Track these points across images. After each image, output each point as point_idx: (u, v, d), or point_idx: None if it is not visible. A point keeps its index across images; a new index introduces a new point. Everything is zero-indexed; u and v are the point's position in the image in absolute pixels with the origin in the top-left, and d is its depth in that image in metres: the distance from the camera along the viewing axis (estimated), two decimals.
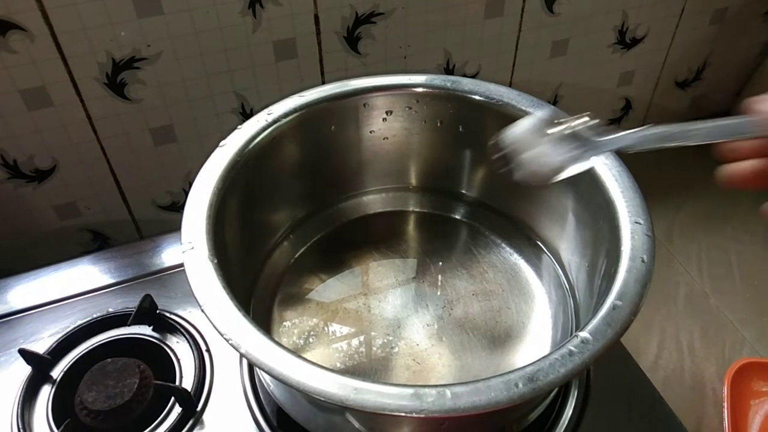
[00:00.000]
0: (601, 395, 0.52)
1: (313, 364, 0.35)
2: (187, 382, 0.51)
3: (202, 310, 0.38)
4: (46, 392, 0.51)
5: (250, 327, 0.37)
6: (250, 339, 0.36)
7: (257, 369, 0.49)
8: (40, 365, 0.52)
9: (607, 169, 0.47)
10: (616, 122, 0.89)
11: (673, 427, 0.51)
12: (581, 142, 0.38)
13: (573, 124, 0.38)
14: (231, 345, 0.36)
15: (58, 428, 0.48)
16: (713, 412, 0.59)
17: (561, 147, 0.38)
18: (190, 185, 0.46)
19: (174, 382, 0.51)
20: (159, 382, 0.50)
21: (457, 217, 0.62)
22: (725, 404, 0.59)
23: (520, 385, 0.34)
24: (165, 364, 0.53)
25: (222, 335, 0.37)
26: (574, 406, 0.51)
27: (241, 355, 0.36)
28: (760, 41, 0.88)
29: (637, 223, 0.43)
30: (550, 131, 0.39)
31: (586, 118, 0.37)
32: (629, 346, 0.56)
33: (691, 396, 0.61)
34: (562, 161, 0.38)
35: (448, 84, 0.55)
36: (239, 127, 0.51)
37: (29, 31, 0.53)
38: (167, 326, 0.55)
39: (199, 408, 0.50)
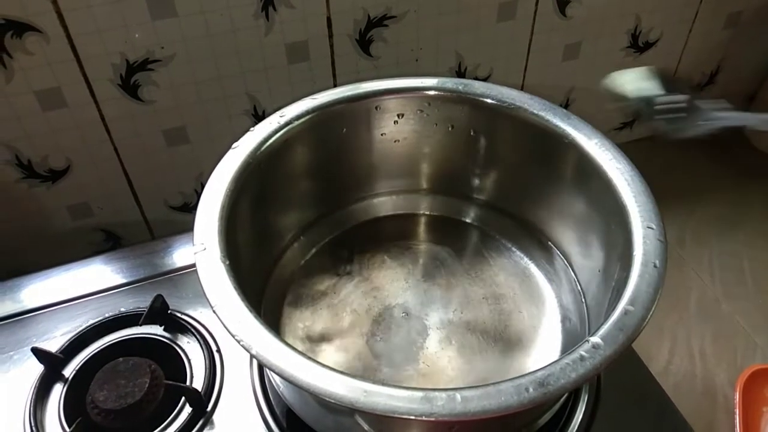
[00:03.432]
0: (612, 400, 0.52)
1: (324, 366, 0.35)
2: (198, 383, 0.52)
3: (214, 311, 0.38)
4: (58, 391, 0.51)
5: (261, 328, 0.37)
6: (261, 340, 0.36)
7: (267, 370, 0.50)
8: (52, 364, 0.52)
9: (619, 174, 0.47)
10: (629, 126, 0.89)
11: None
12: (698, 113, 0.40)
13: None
14: (242, 346, 0.36)
15: (69, 427, 0.48)
16: (724, 418, 0.59)
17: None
18: (202, 186, 0.47)
19: (184, 382, 0.52)
20: (170, 382, 0.50)
21: (468, 220, 0.62)
22: (737, 411, 0.58)
23: (531, 390, 0.34)
24: (176, 364, 0.53)
25: (233, 336, 0.37)
26: (585, 411, 0.51)
27: (252, 357, 0.36)
28: None
29: (649, 228, 0.43)
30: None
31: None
32: (640, 351, 0.56)
33: (702, 402, 0.60)
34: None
35: (460, 87, 0.55)
36: (252, 129, 0.51)
37: (45, 33, 0.54)
38: (178, 326, 0.56)
39: (209, 408, 0.50)
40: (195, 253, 0.41)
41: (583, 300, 0.52)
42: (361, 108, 0.55)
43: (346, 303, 0.55)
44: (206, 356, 0.53)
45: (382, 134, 0.58)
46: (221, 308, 0.38)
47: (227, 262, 0.41)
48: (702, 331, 0.67)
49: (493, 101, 0.54)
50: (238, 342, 0.36)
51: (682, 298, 0.71)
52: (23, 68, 0.55)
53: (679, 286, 0.72)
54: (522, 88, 0.77)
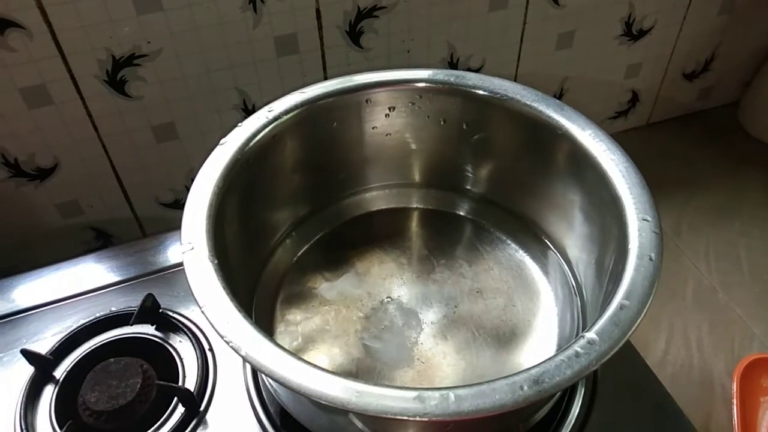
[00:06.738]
0: (609, 392, 0.51)
1: (315, 366, 0.35)
2: (190, 382, 0.51)
3: (203, 312, 0.37)
4: (48, 393, 0.51)
5: (250, 329, 0.36)
6: (250, 341, 0.36)
7: None
8: (42, 366, 0.52)
9: (614, 165, 0.46)
10: (623, 115, 0.88)
11: (682, 423, 0.50)
12: None
13: None
14: (231, 347, 0.36)
15: (61, 429, 0.48)
16: (722, 408, 0.59)
17: None
18: (193, 182, 0.46)
19: (177, 382, 0.51)
20: (162, 382, 0.49)
21: (462, 213, 0.61)
22: (734, 400, 0.58)
23: (525, 388, 0.33)
24: (168, 364, 0.53)
25: (222, 337, 0.36)
26: (582, 403, 0.50)
27: (242, 358, 0.36)
28: None
29: (644, 220, 0.42)
30: None
31: None
32: (637, 342, 0.55)
33: (699, 392, 0.60)
34: None
35: (452, 79, 0.54)
36: (240, 124, 0.50)
37: (28, 29, 0.53)
38: (170, 325, 0.55)
39: (202, 408, 0.50)
40: (183, 253, 0.41)
41: (579, 294, 0.52)
42: (351, 101, 0.54)
43: (339, 300, 0.54)
44: (199, 355, 0.53)
45: (373, 128, 0.57)
46: (209, 308, 0.38)
47: (216, 261, 0.40)
48: (699, 320, 0.67)
49: (485, 93, 0.53)
50: (227, 343, 0.36)
51: (679, 288, 0.70)
52: (6, 65, 0.54)
53: (676, 275, 0.72)
54: (515, 79, 0.76)
